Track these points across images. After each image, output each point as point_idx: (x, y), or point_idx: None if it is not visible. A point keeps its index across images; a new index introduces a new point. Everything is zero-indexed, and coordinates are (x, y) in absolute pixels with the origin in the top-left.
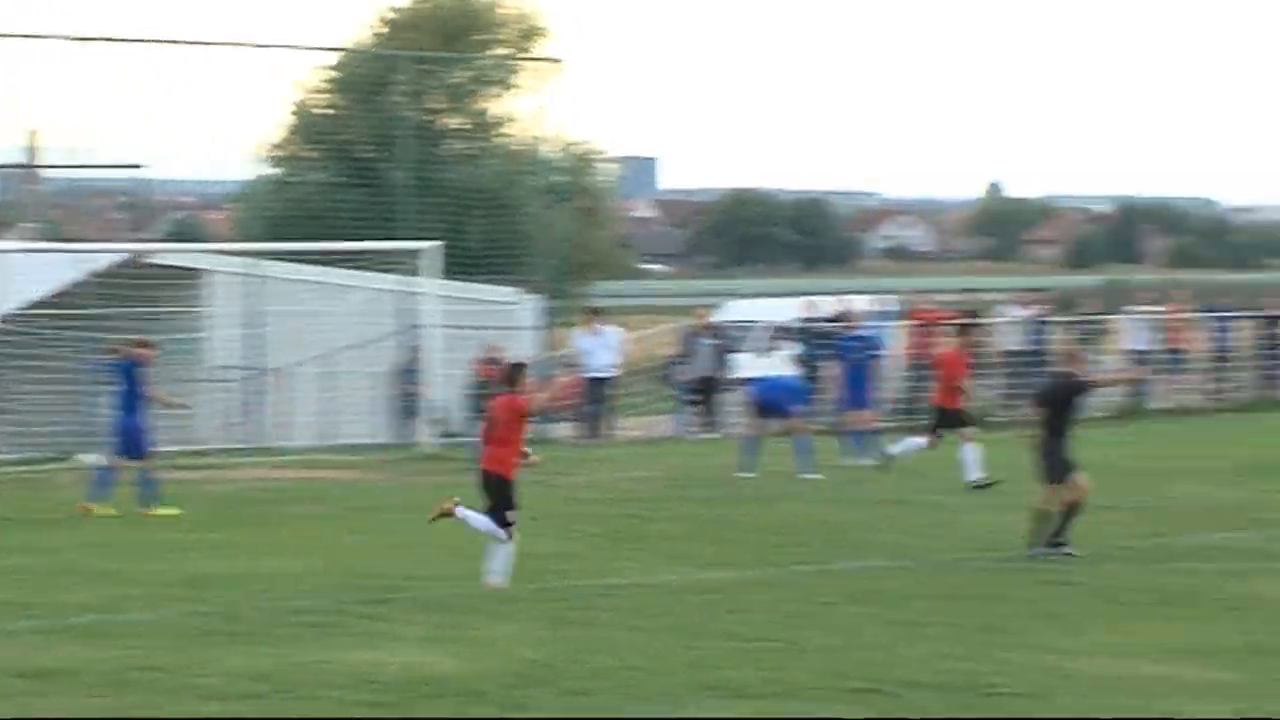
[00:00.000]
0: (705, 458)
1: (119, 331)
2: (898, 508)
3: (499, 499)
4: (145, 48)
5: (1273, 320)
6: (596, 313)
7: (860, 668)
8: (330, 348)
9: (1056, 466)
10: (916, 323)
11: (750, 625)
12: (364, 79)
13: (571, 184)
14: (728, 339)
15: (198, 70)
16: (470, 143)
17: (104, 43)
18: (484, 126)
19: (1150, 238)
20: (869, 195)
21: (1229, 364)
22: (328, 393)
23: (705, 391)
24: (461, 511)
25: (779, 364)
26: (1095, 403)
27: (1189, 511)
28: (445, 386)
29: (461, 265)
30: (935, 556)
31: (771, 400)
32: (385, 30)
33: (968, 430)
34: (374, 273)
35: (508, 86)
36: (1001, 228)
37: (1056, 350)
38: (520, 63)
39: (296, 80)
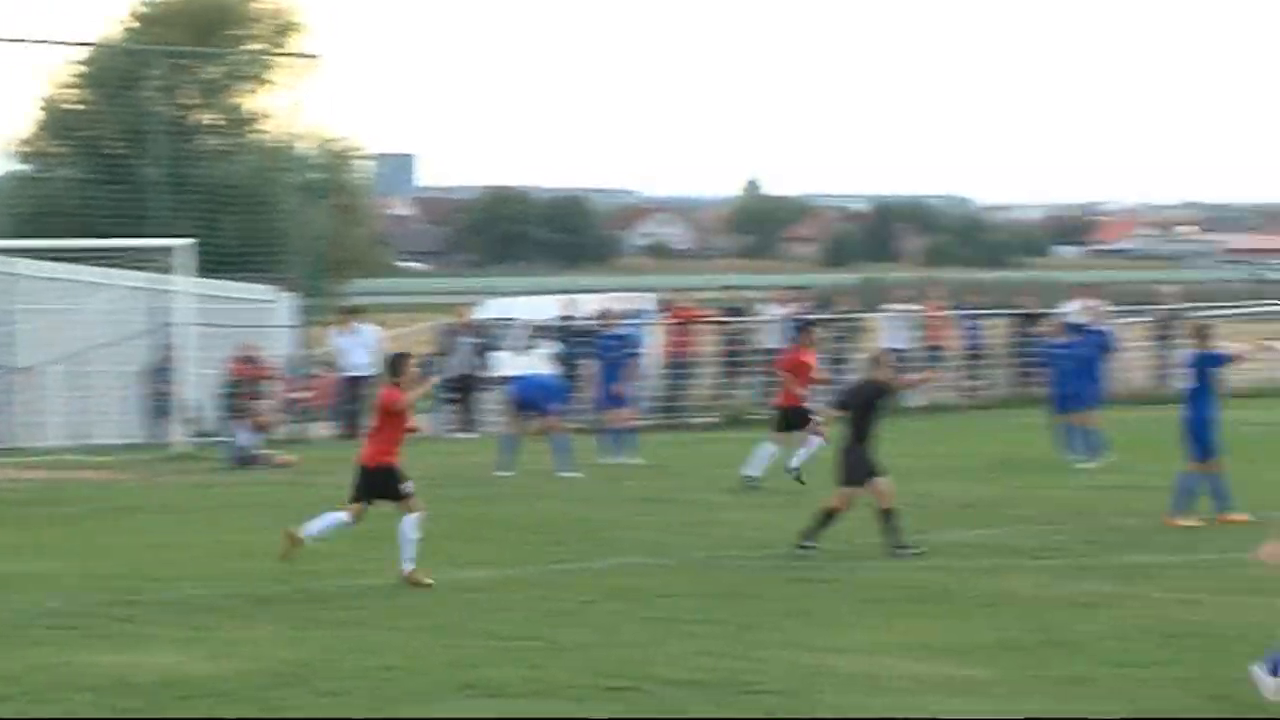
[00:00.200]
0: (463, 456)
1: None
2: (657, 506)
3: (387, 488)
4: None
5: (1026, 318)
6: (353, 311)
7: (619, 665)
8: (81, 346)
9: (857, 469)
10: (675, 321)
11: (509, 624)
12: (115, 74)
13: (328, 181)
14: (487, 337)
15: None
16: (224, 139)
17: None
18: (238, 122)
19: (906, 236)
20: (628, 193)
21: (982, 362)
22: (79, 392)
23: (463, 390)
24: (306, 531)
25: (538, 362)
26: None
27: (944, 509)
28: (199, 386)
29: (216, 262)
30: (694, 554)
31: (530, 398)
32: (137, 25)
33: (799, 435)
34: (126, 270)
35: (262, 82)
36: (760, 226)
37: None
38: (275, 58)
39: (46, 75)
